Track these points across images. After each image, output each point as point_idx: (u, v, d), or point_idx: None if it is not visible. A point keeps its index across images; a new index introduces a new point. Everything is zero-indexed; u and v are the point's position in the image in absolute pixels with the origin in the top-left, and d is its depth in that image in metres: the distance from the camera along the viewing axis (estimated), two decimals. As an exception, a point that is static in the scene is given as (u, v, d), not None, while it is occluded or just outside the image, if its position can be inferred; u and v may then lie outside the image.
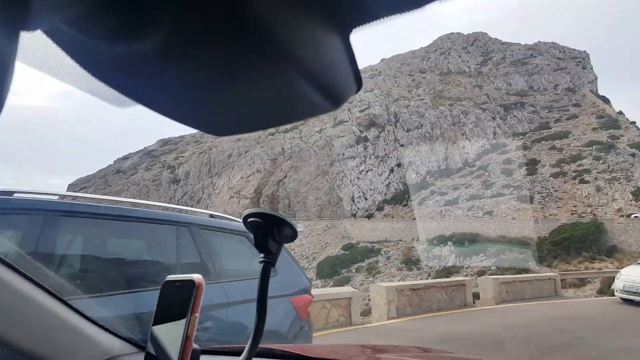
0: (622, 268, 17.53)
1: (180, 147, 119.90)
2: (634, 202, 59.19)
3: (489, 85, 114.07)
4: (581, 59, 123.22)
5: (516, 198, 65.37)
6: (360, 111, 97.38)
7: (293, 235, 1.07)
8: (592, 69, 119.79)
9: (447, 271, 50.56)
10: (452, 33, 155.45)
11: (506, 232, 55.91)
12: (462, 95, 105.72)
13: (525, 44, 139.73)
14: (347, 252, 66.35)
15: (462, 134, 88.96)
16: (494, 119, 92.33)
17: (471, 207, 67.37)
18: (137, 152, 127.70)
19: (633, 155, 69.12)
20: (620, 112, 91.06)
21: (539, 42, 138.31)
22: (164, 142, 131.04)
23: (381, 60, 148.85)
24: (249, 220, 1.05)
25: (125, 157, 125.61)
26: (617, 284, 14.25)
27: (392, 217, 75.88)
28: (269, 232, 1.03)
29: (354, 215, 79.43)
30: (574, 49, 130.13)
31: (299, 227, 1.13)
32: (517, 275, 21.82)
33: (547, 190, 66.60)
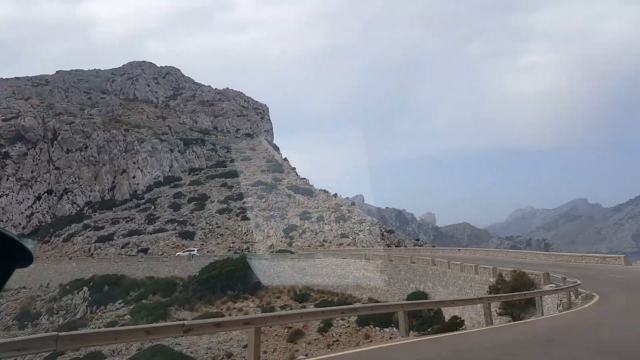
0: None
1: None
2: (285, 238, 63.08)
3: (175, 119, 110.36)
4: (262, 111, 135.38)
5: (178, 234, 60.31)
6: (4, 119, 76.00)
7: (25, 256, 0.80)
8: (269, 119, 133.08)
9: (71, 325, 39.23)
10: (145, 61, 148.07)
11: (156, 272, 49.18)
12: (143, 123, 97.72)
13: (216, 88, 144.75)
14: None
15: (135, 163, 79.96)
16: (172, 151, 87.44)
17: (127, 243, 58.21)
18: None
19: (289, 196, 75.63)
20: (286, 159, 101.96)
21: (228, 88, 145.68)
22: None
23: (57, 71, 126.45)
24: None
25: None
26: None
27: (26, 257, 58.61)
28: None
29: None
30: (257, 101, 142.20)
31: (30, 244, 0.83)
32: None
33: (211, 226, 64.52)
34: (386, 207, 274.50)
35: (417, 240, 76.22)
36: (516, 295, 15.07)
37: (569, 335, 8.83)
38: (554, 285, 22.00)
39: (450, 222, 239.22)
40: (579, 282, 18.77)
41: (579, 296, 17.81)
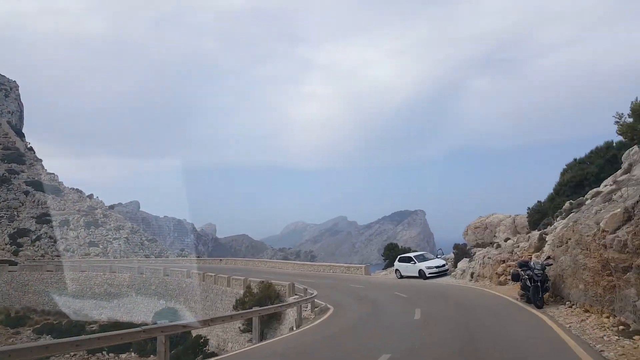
0: None
1: None
2: (9, 245, 49.70)
3: None
4: (7, 87, 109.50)
5: None
6: None
7: None
8: (17, 99, 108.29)
9: None
10: None
11: None
12: None
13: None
14: None
15: None
16: None
17: None
18: None
19: (27, 193, 60.97)
20: (31, 148, 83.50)
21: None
22: None
23: None
24: None
25: None
26: None
27: None
28: None
29: None
30: (3, 75, 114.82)
31: None
32: None
33: None
34: (164, 216, 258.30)
35: (182, 250, 71.16)
36: (208, 322, 11.71)
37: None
38: (297, 296, 20.63)
39: (231, 234, 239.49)
40: (315, 293, 17.47)
41: (315, 309, 16.37)
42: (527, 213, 21.87)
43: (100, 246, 53.82)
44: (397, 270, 26.32)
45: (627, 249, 6.97)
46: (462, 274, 22.38)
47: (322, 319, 13.75)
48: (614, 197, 9.83)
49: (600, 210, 9.71)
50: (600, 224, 7.95)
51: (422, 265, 24.27)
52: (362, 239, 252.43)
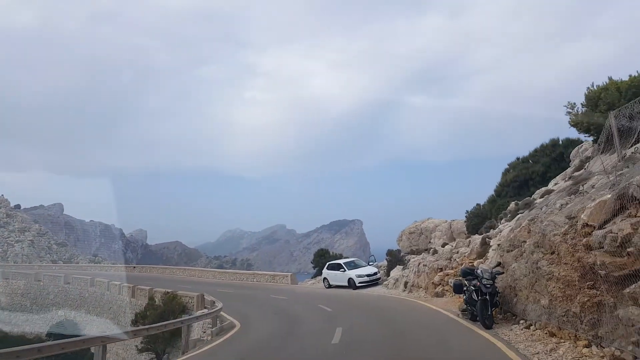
0: None
1: None
2: None
3: None
4: None
5: None
6: None
7: None
8: None
9: None
10: None
11: None
12: None
13: None
14: None
15: None
16: None
17: None
18: None
19: None
20: None
21: None
22: None
23: None
24: None
25: None
26: None
27: None
28: None
29: None
30: None
31: None
32: None
33: None
34: (90, 221, 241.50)
35: (95, 256, 64.83)
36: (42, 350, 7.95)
37: None
38: (207, 310, 17.55)
39: (163, 240, 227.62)
40: (219, 306, 14.47)
41: (213, 329, 13.35)
42: (466, 217, 20.23)
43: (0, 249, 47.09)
44: (325, 278, 23.79)
45: (628, 249, 4.76)
46: (395, 283, 20.22)
47: (218, 342, 10.83)
48: (583, 187, 7.85)
49: (567, 204, 7.65)
50: (582, 215, 5.77)
51: (352, 273, 21.90)
52: (300, 247, 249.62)
